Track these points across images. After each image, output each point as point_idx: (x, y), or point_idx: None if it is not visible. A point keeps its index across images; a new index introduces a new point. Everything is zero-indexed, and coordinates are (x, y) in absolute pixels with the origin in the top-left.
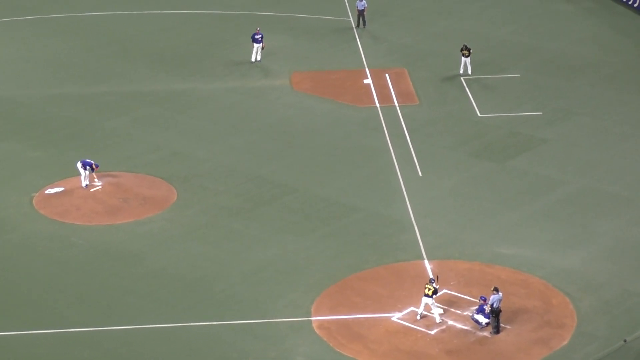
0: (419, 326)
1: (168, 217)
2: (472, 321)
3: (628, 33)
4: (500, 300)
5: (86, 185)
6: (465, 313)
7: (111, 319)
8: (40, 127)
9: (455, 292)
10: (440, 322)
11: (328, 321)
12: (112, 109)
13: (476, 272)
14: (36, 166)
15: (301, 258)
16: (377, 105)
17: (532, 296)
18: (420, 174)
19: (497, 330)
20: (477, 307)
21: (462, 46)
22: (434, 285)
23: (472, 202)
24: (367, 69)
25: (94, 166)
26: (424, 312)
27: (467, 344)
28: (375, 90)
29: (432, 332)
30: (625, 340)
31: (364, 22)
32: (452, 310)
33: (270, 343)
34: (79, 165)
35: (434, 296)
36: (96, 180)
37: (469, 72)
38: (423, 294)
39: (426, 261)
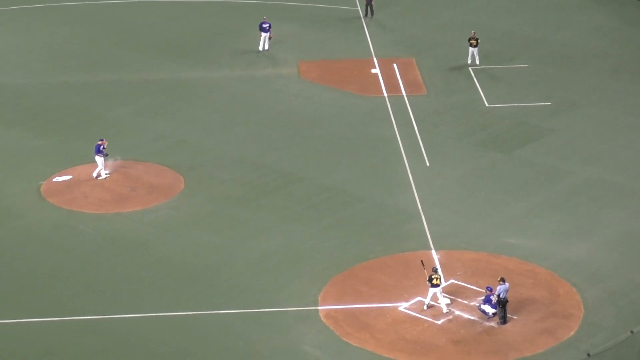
0: (426, 316)
1: (175, 206)
2: (479, 311)
3: (635, 23)
4: (506, 291)
5: (97, 176)
6: (472, 303)
7: (117, 307)
8: (46, 115)
9: (462, 282)
10: (447, 312)
11: (335, 310)
12: (117, 98)
13: (483, 262)
14: (42, 154)
15: (307, 247)
16: (385, 94)
17: (539, 286)
18: (427, 164)
19: (503, 320)
20: (483, 297)
21: (470, 35)
22: (439, 273)
23: (479, 192)
24: (374, 59)
25: (99, 142)
26: (431, 302)
27: (474, 334)
28: (383, 79)
29: (439, 322)
30: (632, 332)
31: (372, 11)
32: (459, 300)
33: (276, 332)
34: (97, 157)
35: (441, 285)
36: (105, 159)
37: (477, 62)
38: (430, 285)
39: (433, 251)
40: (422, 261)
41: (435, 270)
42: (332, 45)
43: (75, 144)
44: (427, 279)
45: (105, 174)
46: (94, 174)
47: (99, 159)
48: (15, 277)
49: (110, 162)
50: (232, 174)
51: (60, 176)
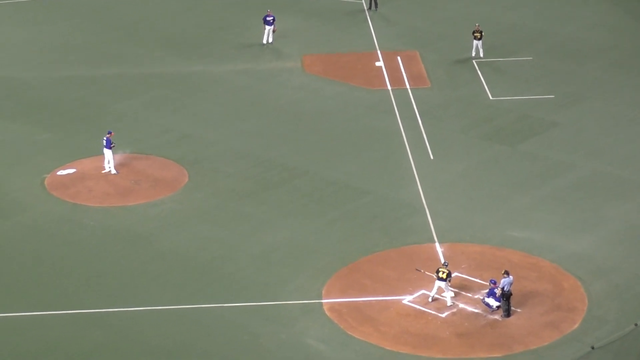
0: (430, 309)
1: (179, 199)
2: (483, 304)
3: (639, 17)
4: (510, 284)
5: (109, 170)
6: (476, 296)
7: (122, 301)
8: (50, 109)
9: (466, 275)
10: (451, 305)
11: (339, 304)
12: (122, 92)
13: (487, 256)
14: (46, 148)
15: (311, 241)
16: (389, 88)
17: (543, 280)
18: (431, 157)
19: (507, 313)
20: (487, 290)
21: (474, 28)
22: (447, 268)
23: (483, 186)
24: (379, 52)
25: (108, 136)
26: (436, 295)
27: (478, 327)
28: (387, 72)
29: (443, 315)
30: (636, 324)
31: (376, 4)
32: (463, 293)
33: (280, 325)
34: (107, 150)
35: (448, 279)
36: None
37: (481, 55)
38: (436, 278)
39: (437, 244)
40: (417, 269)
41: (445, 265)
42: (336, 38)
43: (80, 137)
44: (435, 271)
45: (109, 168)
46: (113, 170)
47: (109, 152)
48: (20, 270)
49: (119, 154)
50: (236, 168)
51: (64, 169)
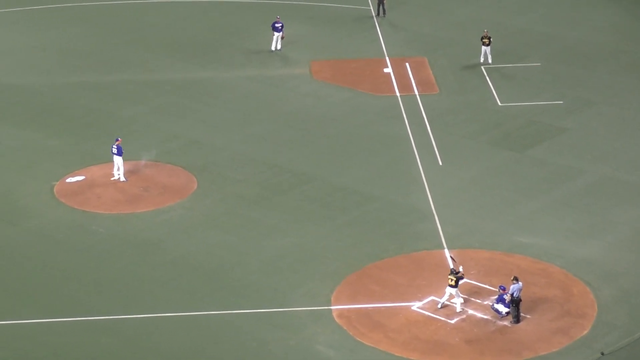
0: (439, 315)
1: (188, 206)
2: (492, 310)
3: None
4: (520, 290)
5: (118, 178)
6: (485, 302)
7: (130, 307)
8: (59, 115)
9: (476, 281)
10: (460, 312)
11: (348, 310)
12: (130, 98)
13: (496, 262)
14: (55, 154)
15: (320, 247)
16: (397, 94)
17: (552, 285)
18: (440, 163)
19: (517, 319)
20: (497, 296)
21: (482, 34)
22: (457, 275)
23: (492, 191)
24: (387, 58)
25: (117, 145)
26: (446, 302)
27: (487, 333)
28: (395, 79)
29: (452, 322)
30: None
31: (384, 10)
32: (473, 299)
33: (289, 332)
34: (118, 158)
35: (460, 282)
36: (120, 170)
37: (489, 61)
38: (447, 284)
39: (446, 250)
40: (452, 257)
41: (452, 272)
42: (344, 44)
43: (89, 144)
44: (454, 276)
45: (118, 175)
46: (122, 177)
47: (119, 159)
48: (29, 277)
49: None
50: (244, 174)
51: (73, 177)
